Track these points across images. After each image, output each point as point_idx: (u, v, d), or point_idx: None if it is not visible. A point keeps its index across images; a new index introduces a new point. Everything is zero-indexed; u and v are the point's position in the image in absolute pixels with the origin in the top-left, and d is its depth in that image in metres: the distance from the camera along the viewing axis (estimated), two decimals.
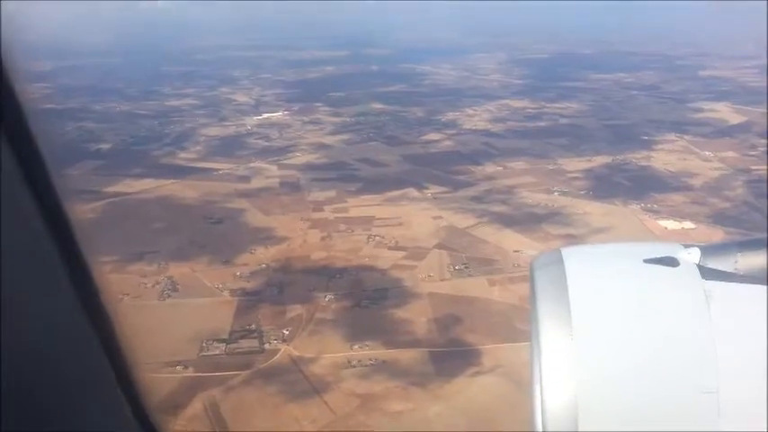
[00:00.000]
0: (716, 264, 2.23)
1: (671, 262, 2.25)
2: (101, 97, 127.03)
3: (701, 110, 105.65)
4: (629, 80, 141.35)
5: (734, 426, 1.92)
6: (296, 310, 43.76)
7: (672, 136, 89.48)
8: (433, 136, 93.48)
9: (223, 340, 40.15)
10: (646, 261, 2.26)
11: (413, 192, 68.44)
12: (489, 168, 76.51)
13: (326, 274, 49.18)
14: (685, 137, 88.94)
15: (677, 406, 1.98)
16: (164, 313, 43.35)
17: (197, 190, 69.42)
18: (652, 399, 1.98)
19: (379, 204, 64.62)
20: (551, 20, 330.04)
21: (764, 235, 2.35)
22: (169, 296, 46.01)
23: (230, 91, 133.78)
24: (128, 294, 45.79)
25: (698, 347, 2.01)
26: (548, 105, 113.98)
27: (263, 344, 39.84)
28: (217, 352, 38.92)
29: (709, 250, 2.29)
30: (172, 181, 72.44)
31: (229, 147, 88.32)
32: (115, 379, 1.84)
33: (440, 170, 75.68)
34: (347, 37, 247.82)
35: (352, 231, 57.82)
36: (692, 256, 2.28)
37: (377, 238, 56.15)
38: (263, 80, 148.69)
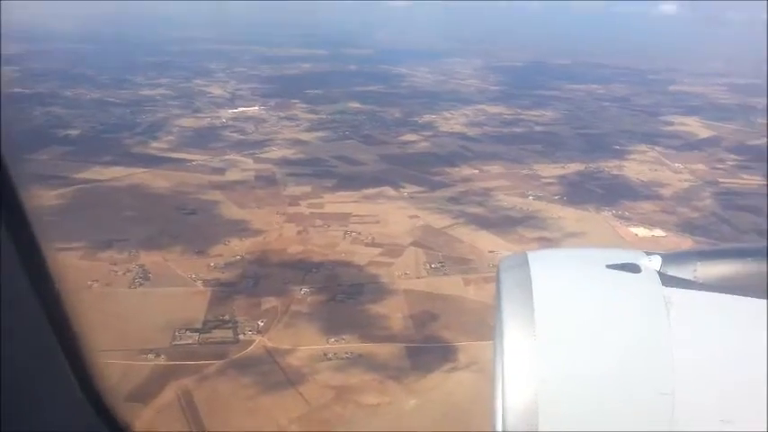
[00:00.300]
0: (676, 271, 2.30)
1: (633, 268, 2.32)
2: (71, 83, 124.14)
3: (671, 123, 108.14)
4: (602, 91, 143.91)
5: (688, 426, 1.99)
6: (271, 302, 43.28)
7: (643, 147, 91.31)
8: (410, 137, 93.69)
9: (196, 330, 39.47)
10: (609, 266, 2.33)
11: (389, 190, 68.42)
12: (465, 171, 76.96)
13: (302, 268, 48.77)
14: (656, 148, 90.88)
15: (634, 406, 2.04)
16: (135, 301, 42.46)
17: (170, 180, 68.25)
18: (610, 399, 2.03)
19: (355, 201, 64.41)
20: (528, 26, 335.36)
21: (724, 245, 2.63)
22: (140, 284, 45.04)
23: (205, 83, 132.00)
24: (97, 281, 44.89)
25: (656, 351, 2.07)
26: (523, 112, 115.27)
27: (238, 334, 39.28)
28: (189, 341, 38.23)
29: (669, 258, 2.37)
30: (143, 170, 71.07)
31: (204, 138, 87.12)
32: (69, 369, 1.90)
33: (416, 170, 75.85)
34: (326, 36, 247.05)
35: (329, 227, 57.50)
36: (653, 263, 2.36)
37: (353, 234, 55.94)
38: (238, 74, 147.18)
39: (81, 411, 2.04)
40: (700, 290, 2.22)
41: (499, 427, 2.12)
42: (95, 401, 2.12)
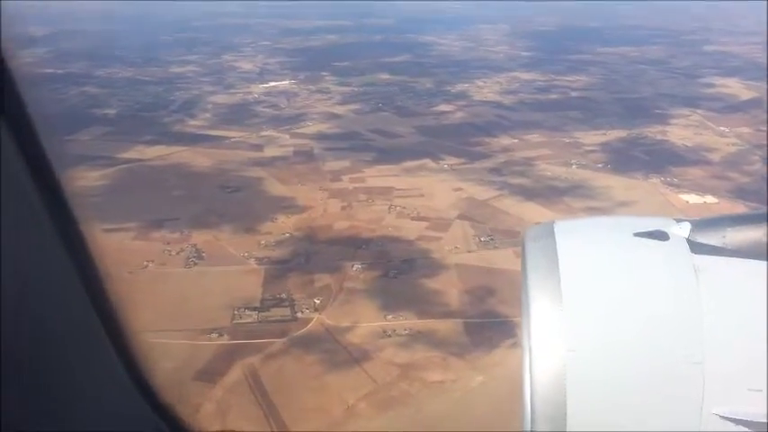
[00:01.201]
0: (705, 238, 2.25)
1: (661, 236, 2.28)
2: (102, 63, 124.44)
3: (711, 85, 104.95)
4: (636, 54, 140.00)
5: (718, 395, 1.97)
6: (325, 279, 43.41)
7: (685, 111, 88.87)
8: (445, 107, 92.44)
9: (255, 308, 39.81)
10: (636, 234, 2.28)
11: (430, 163, 67.79)
12: (504, 141, 75.83)
13: (352, 244, 48.75)
14: (699, 111, 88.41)
15: (664, 376, 2.01)
16: (192, 281, 42.91)
17: (211, 158, 68.44)
18: (639, 369, 2.01)
19: (396, 175, 63.96)
20: None
21: (754, 210, 2.65)
22: (195, 264, 45.47)
23: (233, 58, 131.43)
24: (152, 261, 45.43)
25: (685, 319, 2.04)
26: (557, 78, 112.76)
27: (296, 312, 39.53)
28: (249, 320, 38.61)
29: (699, 225, 2.32)
30: (184, 148, 71.34)
31: (239, 114, 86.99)
32: (117, 359, 1.88)
33: (455, 142, 74.94)
34: (347, 6, 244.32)
35: (373, 201, 57.29)
36: (682, 230, 2.31)
37: (398, 208, 55.68)
38: (265, 48, 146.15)
39: (130, 403, 2.00)
40: (729, 256, 2.18)
41: (528, 395, 2.08)
42: (144, 391, 2.09)
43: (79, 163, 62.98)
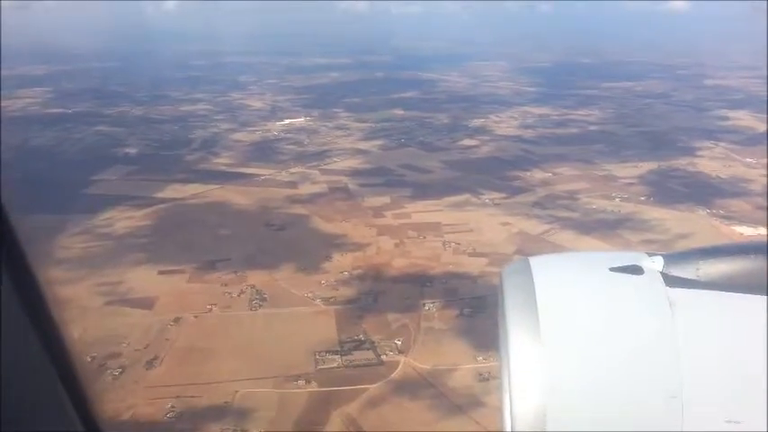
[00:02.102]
0: (679, 271, 2.28)
1: (635, 270, 2.30)
2: (109, 101, 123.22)
3: (725, 118, 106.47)
4: (639, 89, 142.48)
5: (697, 428, 1.97)
6: (399, 319, 41.72)
7: (707, 143, 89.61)
8: (468, 142, 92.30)
9: (335, 352, 37.90)
10: (612, 269, 2.31)
11: (470, 198, 66.95)
12: (538, 174, 75.43)
13: (416, 282, 47.22)
14: (721, 144, 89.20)
15: (643, 410, 2.00)
16: (262, 324, 40.97)
17: (247, 195, 66.94)
18: (618, 403, 2.01)
19: (440, 210, 62.93)
20: (540, 27, 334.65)
21: (725, 243, 2.45)
22: (260, 306, 43.55)
23: (242, 96, 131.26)
24: (215, 305, 43.52)
25: (662, 353, 2.05)
26: (570, 112, 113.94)
27: (379, 355, 37.70)
28: (334, 365, 36.66)
29: (672, 258, 2.34)
30: (217, 186, 69.80)
31: (263, 152, 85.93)
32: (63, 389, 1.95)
33: (488, 176, 74.35)
34: (343, 44, 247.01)
35: (424, 238, 56.02)
36: (655, 264, 2.33)
37: (452, 244, 54.42)
38: (271, 86, 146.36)
39: None
40: (703, 289, 2.21)
41: None
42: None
43: (117, 203, 61.42)
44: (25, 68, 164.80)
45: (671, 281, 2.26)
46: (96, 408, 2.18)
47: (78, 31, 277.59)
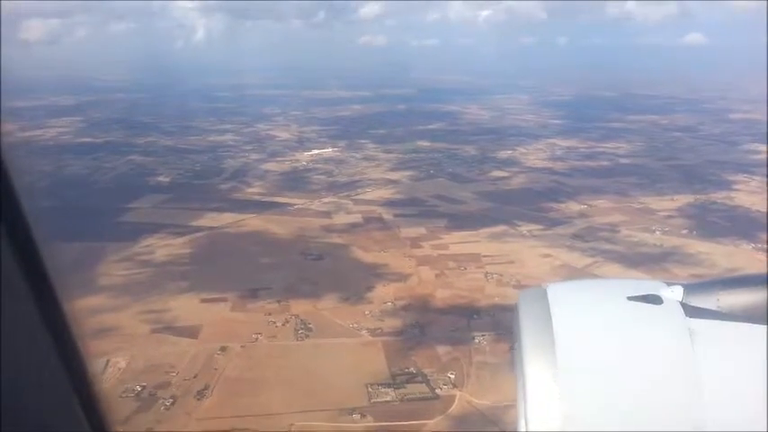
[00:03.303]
0: (698, 302, 2.24)
1: (654, 300, 2.26)
2: (137, 132, 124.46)
3: (756, 152, 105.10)
4: (665, 122, 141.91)
5: None
6: (449, 351, 40.73)
7: (741, 176, 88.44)
8: (498, 173, 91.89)
9: (388, 384, 36.94)
10: (630, 298, 2.27)
11: (507, 229, 66.15)
12: (573, 206, 74.60)
13: (462, 314, 46.28)
14: (755, 177, 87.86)
15: None
16: (310, 355, 40.12)
17: (282, 225, 66.67)
18: None
19: (477, 241, 62.17)
20: (555, 60, 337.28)
21: (746, 273, 2.41)
22: (306, 336, 42.80)
23: (268, 127, 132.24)
24: (260, 334, 42.83)
25: (682, 385, 1.99)
26: (597, 145, 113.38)
27: (434, 389, 36.64)
28: (388, 398, 35.66)
29: (692, 288, 2.30)
30: (252, 215, 69.67)
31: (294, 181, 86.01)
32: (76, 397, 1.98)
33: (523, 207, 73.66)
34: (364, 77, 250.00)
35: (465, 269, 55.21)
36: (675, 293, 2.29)
37: (494, 276, 53.55)
38: (296, 117, 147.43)
39: None
40: (724, 320, 2.16)
41: None
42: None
43: (154, 231, 61.35)
44: (55, 99, 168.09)
45: (691, 311, 2.19)
46: (104, 408, 2.12)
47: (105, 64, 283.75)
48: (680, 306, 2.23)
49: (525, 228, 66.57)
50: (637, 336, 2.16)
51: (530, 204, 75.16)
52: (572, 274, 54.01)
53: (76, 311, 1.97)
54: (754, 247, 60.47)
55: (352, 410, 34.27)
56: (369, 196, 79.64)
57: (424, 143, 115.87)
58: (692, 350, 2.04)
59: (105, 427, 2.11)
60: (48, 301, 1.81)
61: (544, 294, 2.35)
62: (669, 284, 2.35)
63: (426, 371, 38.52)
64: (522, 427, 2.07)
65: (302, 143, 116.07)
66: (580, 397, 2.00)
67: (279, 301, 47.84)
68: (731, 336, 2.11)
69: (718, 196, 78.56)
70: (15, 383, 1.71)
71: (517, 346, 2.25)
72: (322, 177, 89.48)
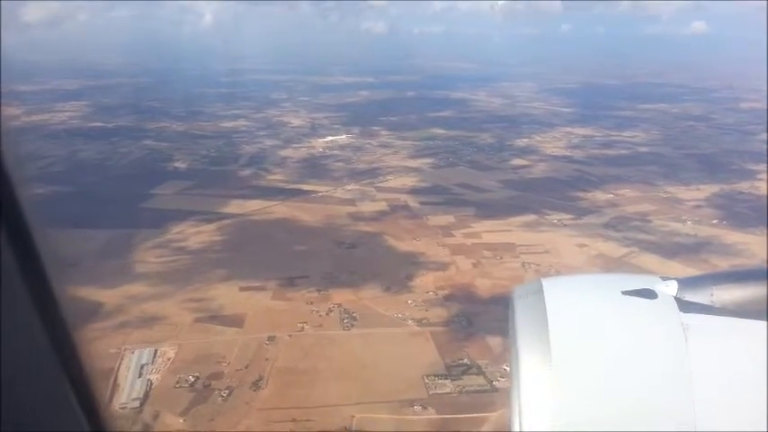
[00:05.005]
0: (693, 296, 2.23)
1: (649, 294, 2.25)
2: (147, 117, 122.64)
3: None
4: (676, 111, 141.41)
5: None
6: (501, 343, 39.96)
7: (763, 166, 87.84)
8: (519, 161, 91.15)
9: (444, 376, 36.35)
10: (624, 293, 2.26)
11: (536, 218, 65.53)
12: (600, 195, 74.04)
13: (506, 304, 45.53)
14: None
15: None
16: (359, 345, 39.47)
17: (309, 212, 65.75)
18: (630, 430, 1.93)
19: (510, 231, 61.51)
20: (559, 48, 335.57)
21: (740, 268, 2.45)
22: (352, 326, 42.08)
23: (278, 113, 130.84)
24: (306, 323, 42.12)
25: (676, 382, 1.98)
26: (613, 134, 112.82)
27: (491, 381, 36.04)
28: (446, 390, 35.07)
29: (686, 283, 2.29)
30: (276, 203, 68.73)
31: (314, 168, 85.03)
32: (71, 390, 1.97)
33: (549, 196, 73.03)
34: (368, 63, 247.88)
35: (501, 258, 54.61)
36: (669, 288, 2.28)
37: (532, 265, 52.99)
38: (304, 103, 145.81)
39: None
40: (718, 315, 2.16)
41: None
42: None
43: (182, 218, 60.39)
44: (58, 83, 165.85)
45: (685, 306, 2.18)
46: (103, 407, 2.13)
47: (109, 48, 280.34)
48: (674, 301, 2.20)
49: (555, 216, 65.95)
50: (631, 330, 2.13)
51: (555, 193, 74.52)
52: (609, 264, 53.53)
53: (74, 307, 1.94)
54: None
55: (412, 402, 33.67)
56: (392, 184, 78.76)
57: (438, 130, 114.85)
58: (685, 345, 2.02)
59: (103, 425, 2.08)
60: (44, 297, 1.80)
61: (539, 289, 2.32)
62: (664, 279, 2.32)
63: (480, 362, 37.93)
64: (514, 420, 2.01)
65: (315, 129, 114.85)
66: (574, 393, 1.97)
67: (319, 290, 47.07)
68: (725, 331, 2.08)
69: (744, 186, 78.18)
70: (12, 381, 1.70)
71: (511, 340, 2.19)
72: (341, 164, 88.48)
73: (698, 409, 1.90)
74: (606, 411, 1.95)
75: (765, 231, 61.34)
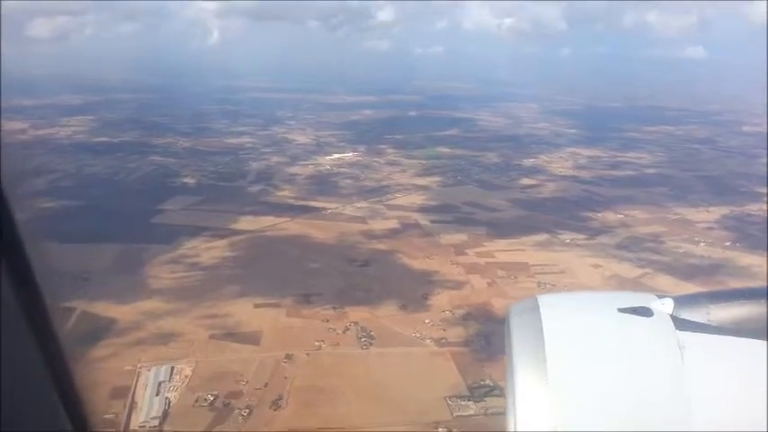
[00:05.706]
0: (689, 314, 2.22)
1: (645, 312, 2.25)
2: (152, 132, 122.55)
3: None
4: (680, 133, 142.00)
5: None
6: None
7: None
8: (527, 181, 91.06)
9: (467, 397, 35.76)
10: (620, 310, 2.26)
11: (548, 238, 65.23)
12: (610, 216, 73.83)
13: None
14: None
15: None
16: (378, 364, 38.89)
17: (320, 229, 65.31)
18: None
19: (522, 250, 61.17)
20: (559, 71, 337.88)
21: (737, 287, 2.36)
22: (370, 344, 41.49)
23: (284, 131, 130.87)
24: (323, 341, 41.55)
25: (672, 400, 1.97)
26: (619, 155, 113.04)
27: None
28: (471, 412, 34.49)
29: (682, 301, 2.28)
30: (287, 219, 68.28)
31: (323, 185, 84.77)
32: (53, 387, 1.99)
33: (560, 216, 72.82)
34: (370, 82, 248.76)
35: (516, 278, 54.25)
36: (665, 306, 2.27)
37: (547, 285, 52.51)
38: (309, 121, 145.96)
39: None
40: (714, 333, 2.15)
41: None
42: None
43: (193, 234, 59.92)
44: (63, 97, 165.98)
45: (681, 324, 2.17)
46: (86, 407, 2.13)
47: (115, 63, 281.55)
48: (670, 319, 2.19)
49: (567, 236, 65.67)
50: (627, 348, 2.12)
51: (565, 213, 74.31)
52: (625, 284, 52.99)
53: (61, 312, 1.91)
54: None
55: (436, 424, 33.05)
56: (401, 201, 78.50)
57: (444, 149, 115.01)
58: (681, 363, 2.01)
59: (87, 426, 2.07)
60: (31, 301, 1.81)
61: (536, 306, 2.30)
62: (660, 297, 2.31)
63: (503, 384, 37.15)
64: None
65: (321, 147, 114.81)
66: (569, 409, 1.96)
67: (334, 308, 46.55)
68: (721, 349, 2.07)
69: (753, 208, 77.98)
70: None
71: (507, 357, 2.19)
72: (349, 182, 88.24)
73: (694, 428, 1.88)
74: (602, 429, 1.91)
75: None
